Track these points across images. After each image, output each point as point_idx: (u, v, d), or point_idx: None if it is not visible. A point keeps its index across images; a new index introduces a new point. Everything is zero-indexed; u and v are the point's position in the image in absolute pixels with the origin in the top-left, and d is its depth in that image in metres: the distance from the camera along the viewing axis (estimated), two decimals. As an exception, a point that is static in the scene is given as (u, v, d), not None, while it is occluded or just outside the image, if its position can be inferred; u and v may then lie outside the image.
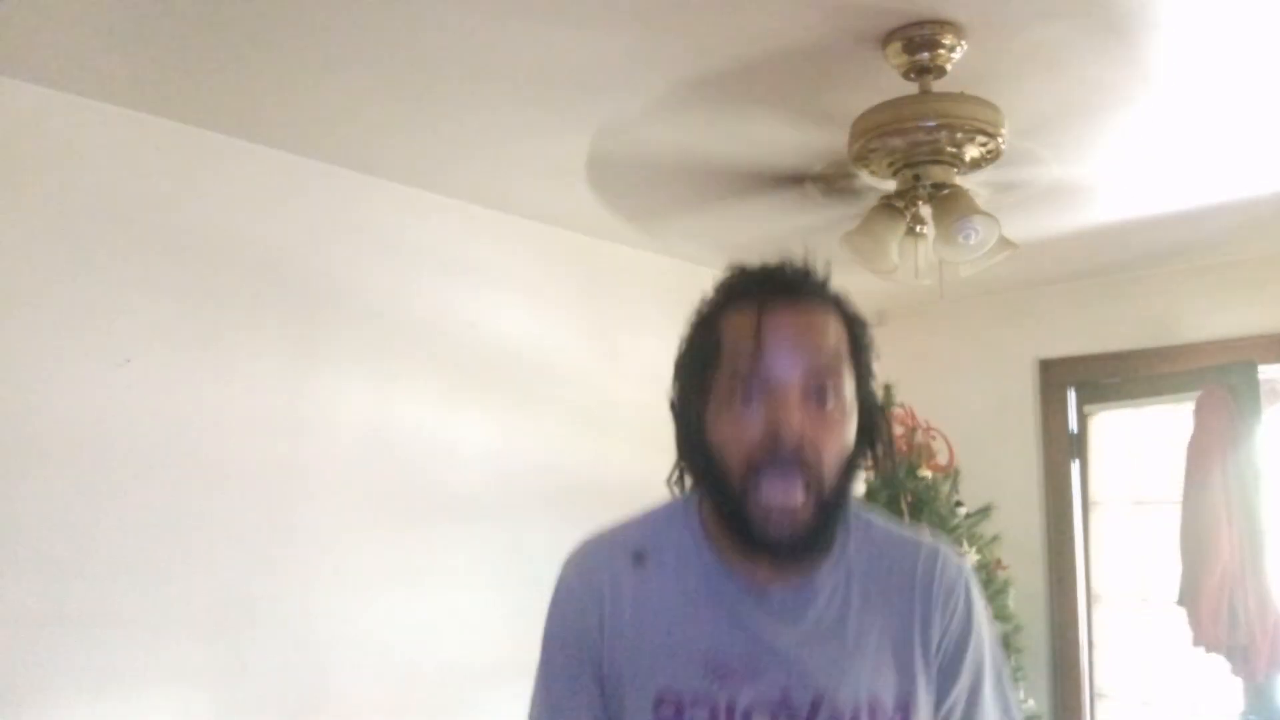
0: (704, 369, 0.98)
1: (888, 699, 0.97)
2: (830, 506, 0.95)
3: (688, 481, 1.04)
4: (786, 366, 0.93)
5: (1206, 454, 2.82)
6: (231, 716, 2.09)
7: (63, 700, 1.88)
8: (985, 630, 1.05)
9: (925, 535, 1.08)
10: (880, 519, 1.08)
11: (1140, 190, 2.48)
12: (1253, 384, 2.81)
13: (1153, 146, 2.19)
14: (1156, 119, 2.03)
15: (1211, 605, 2.72)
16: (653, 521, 1.06)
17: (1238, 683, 2.80)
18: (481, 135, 2.18)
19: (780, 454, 0.91)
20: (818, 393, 0.94)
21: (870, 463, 1.02)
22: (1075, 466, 3.40)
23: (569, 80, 1.88)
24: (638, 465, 2.44)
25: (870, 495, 3.21)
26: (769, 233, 2.78)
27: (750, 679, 0.95)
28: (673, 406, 1.03)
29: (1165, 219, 2.68)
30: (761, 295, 0.97)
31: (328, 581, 2.27)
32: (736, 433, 0.94)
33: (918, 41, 1.66)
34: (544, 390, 2.75)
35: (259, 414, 2.21)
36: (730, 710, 0.95)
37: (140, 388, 2.03)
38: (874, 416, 1.01)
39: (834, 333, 0.97)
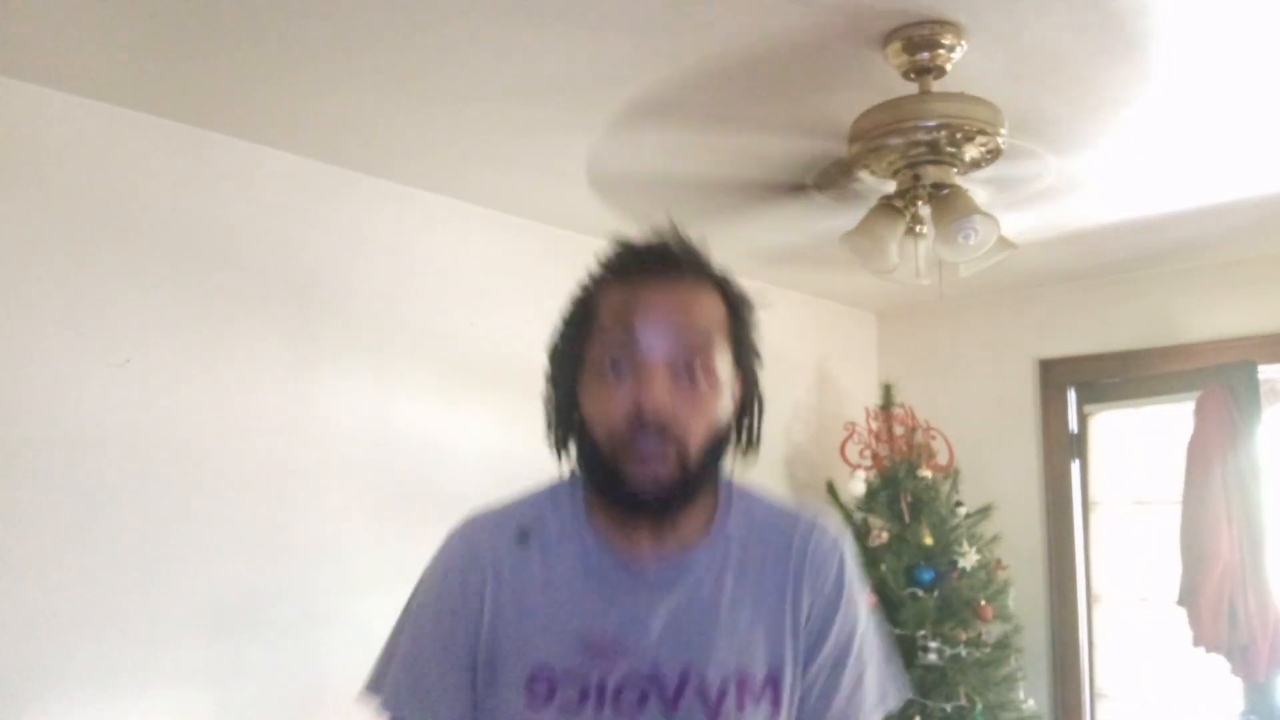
0: (578, 340, 1.01)
1: (758, 672, 0.99)
2: (695, 477, 0.97)
3: (565, 458, 1.06)
4: (655, 344, 0.95)
5: (1206, 454, 2.83)
6: (231, 716, 2.09)
7: (63, 700, 1.88)
8: (858, 602, 1.06)
9: (807, 508, 1.09)
10: (764, 495, 1.09)
11: (1140, 190, 2.48)
12: (1253, 384, 2.81)
13: (1153, 146, 2.19)
14: (1156, 119, 2.03)
15: (1211, 605, 2.72)
16: (537, 500, 1.07)
17: (1238, 683, 2.80)
18: (481, 135, 2.18)
19: (646, 429, 0.93)
20: (687, 370, 0.95)
21: (742, 441, 1.04)
22: (1075, 466, 3.40)
23: (569, 80, 1.88)
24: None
25: (870, 495, 3.22)
26: (769, 233, 2.78)
27: (622, 656, 0.96)
28: (547, 375, 1.07)
29: (1165, 219, 2.68)
30: (635, 271, 0.99)
31: (328, 581, 2.27)
32: (605, 406, 0.96)
33: (918, 41, 1.66)
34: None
35: (259, 414, 2.21)
36: (601, 686, 0.96)
37: (140, 388, 2.03)
38: (750, 393, 1.04)
39: (707, 309, 0.99)
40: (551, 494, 1.07)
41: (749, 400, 1.04)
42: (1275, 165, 2.29)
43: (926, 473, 3.19)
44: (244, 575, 2.14)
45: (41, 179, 1.95)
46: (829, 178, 2.25)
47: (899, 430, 3.30)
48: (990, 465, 3.42)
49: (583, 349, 1.01)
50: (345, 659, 2.32)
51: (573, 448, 1.05)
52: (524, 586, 1.00)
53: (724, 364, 0.99)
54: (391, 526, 2.41)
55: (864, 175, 2.04)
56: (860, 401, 3.54)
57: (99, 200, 2.01)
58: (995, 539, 3.20)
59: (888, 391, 3.40)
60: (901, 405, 3.35)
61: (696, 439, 0.96)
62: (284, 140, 2.23)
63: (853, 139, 1.82)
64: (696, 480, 0.97)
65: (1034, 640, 3.29)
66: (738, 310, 1.03)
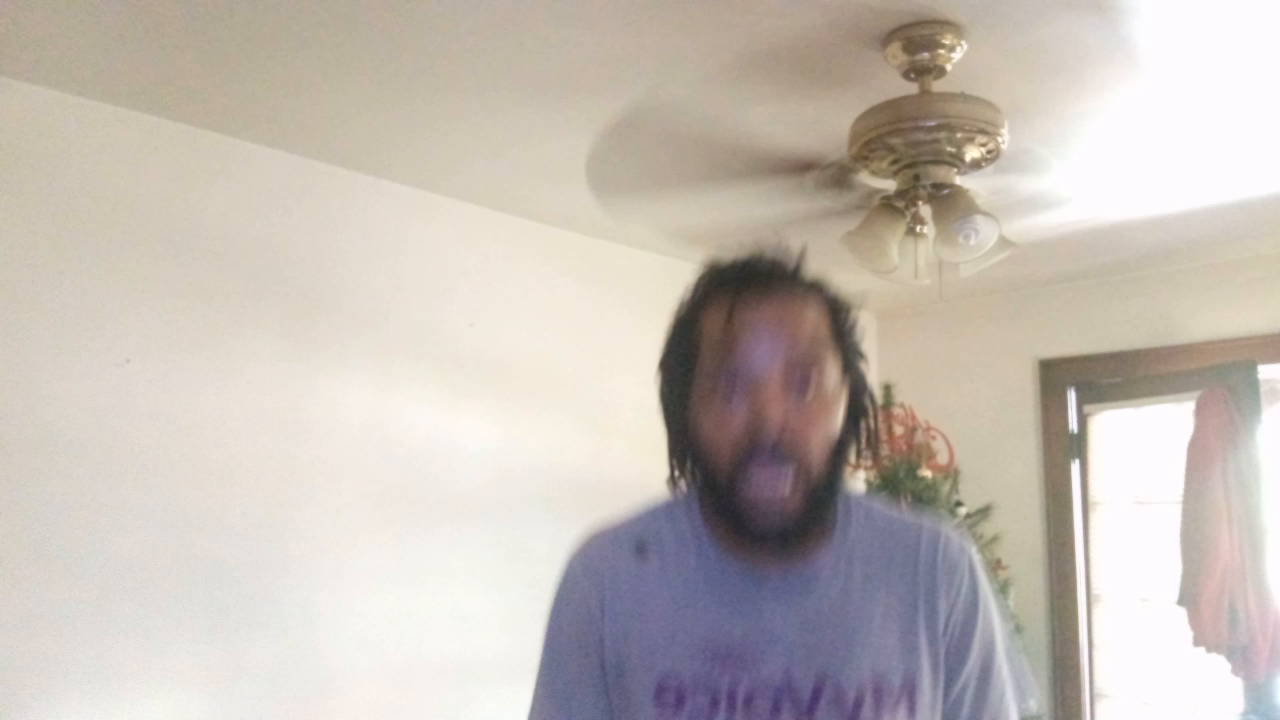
0: (685, 367, 0.99)
1: (894, 679, 0.97)
2: (819, 493, 0.95)
3: (683, 481, 1.04)
4: (763, 360, 0.93)
5: (1206, 454, 2.82)
6: (231, 716, 2.09)
7: (63, 700, 1.88)
8: (992, 608, 1.05)
9: (927, 518, 1.08)
10: (882, 504, 1.08)
11: (1140, 190, 2.48)
12: (1253, 384, 2.81)
13: (1153, 146, 2.19)
14: (1156, 119, 2.03)
15: (1211, 605, 2.72)
16: (653, 514, 1.06)
17: (1238, 683, 2.80)
18: (481, 135, 2.18)
19: (763, 447, 0.92)
20: (799, 383, 0.94)
21: (861, 446, 1.02)
22: (1075, 466, 3.40)
23: (569, 80, 1.88)
24: (637, 465, 2.45)
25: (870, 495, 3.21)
26: (769, 231, 2.78)
27: (751, 663, 0.95)
28: (662, 407, 1.04)
29: (1165, 219, 2.68)
30: (735, 288, 0.97)
31: (328, 581, 2.27)
32: (720, 429, 0.94)
33: (918, 41, 1.66)
34: (544, 390, 2.75)
35: (259, 414, 2.21)
36: (732, 695, 0.94)
37: (140, 388, 2.03)
38: (861, 399, 1.02)
39: (812, 319, 0.98)
40: (668, 509, 1.06)
41: (860, 403, 1.02)
42: (1275, 165, 2.29)
43: (926, 473, 3.18)
44: (244, 575, 2.14)
45: (42, 179, 1.95)
46: (829, 178, 2.25)
47: (899, 430, 3.30)
48: (990, 465, 3.42)
49: (690, 375, 0.99)
50: (345, 659, 2.33)
51: (689, 470, 1.03)
52: (644, 597, 1.00)
53: (834, 373, 0.98)
54: (391, 526, 2.41)
55: (864, 175, 2.04)
56: (860, 401, 3.54)
57: (99, 200, 2.01)
58: (995, 539, 3.19)
59: (888, 391, 3.39)
60: (901, 405, 3.35)
61: (816, 452, 0.94)
62: (284, 140, 2.23)
63: (853, 139, 1.82)
64: (819, 500, 0.96)
65: (1034, 640, 3.29)
66: (840, 315, 1.02)
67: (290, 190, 2.31)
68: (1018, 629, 3.10)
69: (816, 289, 1.01)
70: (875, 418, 1.03)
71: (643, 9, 1.60)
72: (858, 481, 3.26)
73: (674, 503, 1.06)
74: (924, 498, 3.13)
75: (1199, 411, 2.88)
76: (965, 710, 1.01)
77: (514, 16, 1.64)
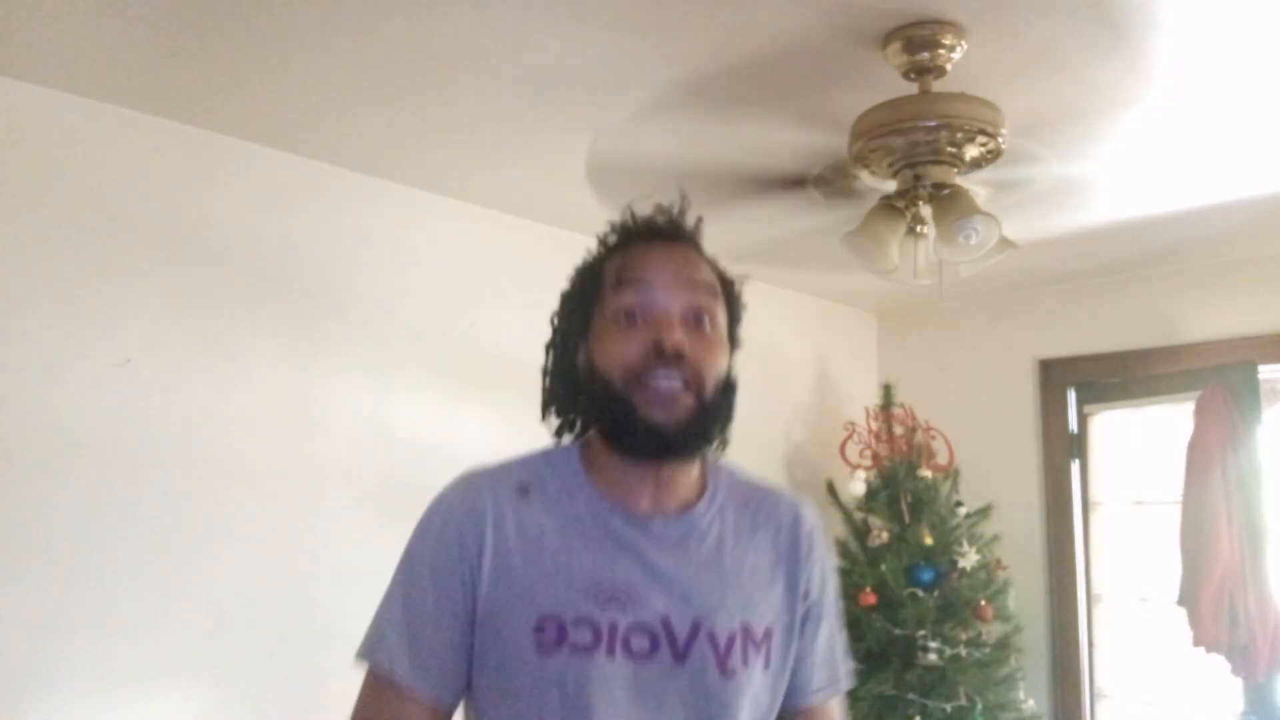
0: (585, 307, 1.06)
1: (757, 629, 1.04)
2: (707, 415, 1.01)
3: (562, 428, 1.11)
4: (666, 294, 1.01)
5: (1206, 454, 2.82)
6: (231, 716, 2.09)
7: (63, 700, 1.88)
8: (834, 574, 1.16)
9: (782, 487, 1.16)
10: (737, 468, 1.14)
11: (1140, 190, 2.48)
12: (1253, 384, 2.81)
13: (1153, 146, 2.19)
14: (1156, 119, 2.03)
15: (1211, 605, 2.72)
16: (532, 460, 1.10)
17: (1238, 683, 2.80)
18: (482, 136, 2.18)
19: (663, 358, 0.98)
20: (694, 320, 1.01)
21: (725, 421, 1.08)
22: (1075, 466, 3.40)
23: (569, 81, 1.88)
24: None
25: (870, 495, 3.21)
26: (769, 233, 2.78)
27: (633, 604, 0.98)
28: (551, 350, 1.11)
29: (1165, 219, 2.68)
30: (643, 236, 1.07)
31: (328, 581, 2.27)
32: (620, 352, 1.00)
33: (918, 41, 1.66)
34: (544, 390, 2.75)
35: (259, 414, 2.21)
36: (613, 631, 0.97)
37: (140, 388, 2.03)
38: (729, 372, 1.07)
39: (707, 272, 1.06)
40: (546, 456, 1.10)
41: (728, 379, 1.07)
42: (1275, 165, 2.29)
43: (926, 473, 3.19)
44: (244, 575, 2.14)
45: (42, 179, 1.95)
46: (830, 178, 2.25)
47: (899, 430, 3.31)
48: (990, 465, 3.42)
49: (591, 311, 1.05)
50: (345, 659, 2.32)
51: (572, 414, 1.10)
52: (527, 535, 1.01)
53: (723, 325, 1.05)
54: (391, 526, 2.39)
55: (864, 175, 2.04)
56: (860, 401, 3.54)
57: (99, 200, 2.01)
58: (995, 539, 3.20)
59: (888, 391, 3.40)
60: (901, 405, 3.35)
61: (709, 378, 1.00)
62: (284, 140, 2.23)
63: (853, 139, 1.82)
64: (709, 419, 1.01)
65: (1034, 640, 3.29)
66: (729, 287, 1.09)
67: (291, 191, 2.31)
68: (1017, 629, 3.10)
69: (711, 259, 1.09)
70: (732, 397, 1.07)
71: (643, 10, 1.60)
72: (858, 482, 3.26)
73: (552, 453, 1.10)
74: (924, 498, 3.14)
75: (1199, 411, 2.88)
76: (817, 668, 1.11)
77: (515, 18, 1.64)
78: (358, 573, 2.33)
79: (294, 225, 2.32)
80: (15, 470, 1.87)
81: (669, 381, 0.98)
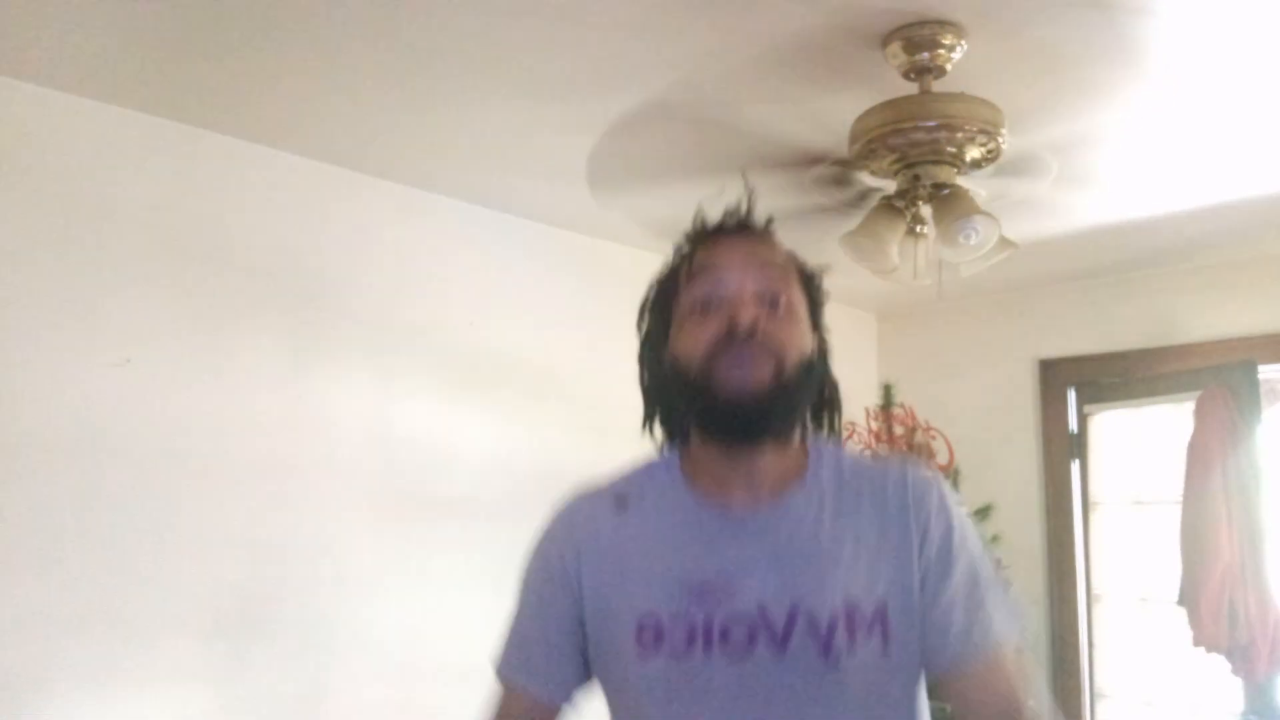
0: (664, 311, 1.07)
1: (866, 608, 0.98)
2: (790, 388, 0.99)
3: (662, 435, 1.11)
4: (736, 280, 1.01)
5: (1206, 454, 2.82)
6: (231, 716, 2.09)
7: (63, 700, 1.88)
8: (970, 532, 1.06)
9: (897, 460, 1.11)
10: (849, 451, 1.12)
11: (1140, 190, 2.48)
12: (1253, 384, 2.81)
13: (1152, 147, 2.19)
14: (1156, 119, 2.03)
15: (1211, 605, 2.72)
16: (637, 471, 1.12)
17: (1238, 683, 2.80)
18: (481, 135, 2.18)
19: (737, 337, 0.97)
20: (770, 300, 1.01)
21: (821, 412, 1.09)
22: (1075, 466, 3.40)
23: (569, 80, 1.88)
24: (638, 465, 2.45)
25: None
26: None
27: (726, 597, 0.98)
28: (641, 361, 1.11)
29: (1165, 219, 2.68)
30: (718, 230, 1.07)
31: (328, 581, 2.27)
32: (696, 337, 1.00)
33: (918, 41, 1.66)
34: (544, 390, 2.75)
35: (258, 414, 2.20)
36: (708, 627, 0.97)
37: (140, 388, 2.03)
38: (824, 357, 1.07)
39: (781, 258, 1.06)
40: (648, 467, 1.11)
41: (824, 364, 1.07)
42: (1275, 165, 2.29)
43: (926, 473, 3.18)
44: (244, 575, 2.14)
45: (42, 179, 1.94)
46: (829, 178, 2.25)
47: (899, 430, 3.30)
48: (990, 465, 3.42)
49: (670, 313, 1.06)
50: (345, 659, 2.32)
51: (669, 418, 1.10)
52: (624, 547, 1.04)
53: (801, 307, 1.04)
54: (391, 526, 2.41)
55: (864, 175, 2.04)
56: (860, 401, 3.54)
57: (99, 200, 2.01)
58: (995, 539, 3.19)
59: (888, 391, 3.40)
60: (901, 405, 3.35)
61: (789, 351, 0.99)
62: (284, 140, 2.23)
63: (853, 139, 1.82)
64: (790, 394, 1.00)
65: (1034, 640, 3.29)
66: (808, 275, 1.09)
67: (291, 190, 2.31)
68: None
69: (789, 251, 1.09)
70: (835, 391, 1.09)
71: (643, 9, 1.60)
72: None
73: (655, 461, 1.12)
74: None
75: (1199, 411, 2.88)
76: (955, 628, 1.00)
77: (515, 17, 1.64)
78: (358, 572, 2.34)
79: (294, 225, 2.32)
80: (15, 470, 1.86)
81: (746, 363, 0.97)
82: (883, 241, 1.94)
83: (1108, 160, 2.26)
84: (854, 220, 2.00)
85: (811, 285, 1.08)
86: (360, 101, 2.00)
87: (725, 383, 0.98)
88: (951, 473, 3.27)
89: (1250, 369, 2.83)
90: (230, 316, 2.18)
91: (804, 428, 1.08)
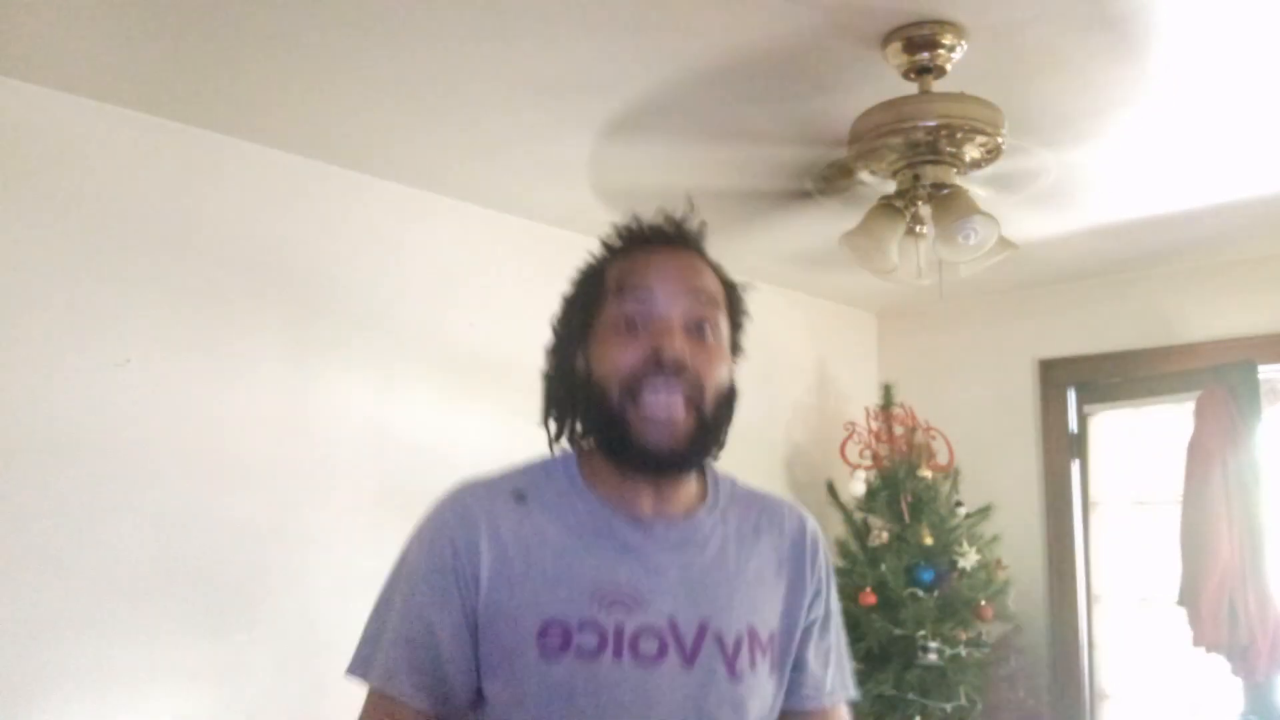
0: (585, 312, 1.04)
1: (762, 632, 1.03)
2: (707, 430, 1.00)
3: (562, 435, 1.08)
4: (667, 301, 0.99)
5: (1206, 454, 2.82)
6: (231, 716, 2.09)
7: (63, 700, 1.88)
8: (834, 583, 1.16)
9: (781, 496, 1.16)
10: (738, 479, 1.14)
11: (1140, 190, 2.48)
12: (1253, 384, 2.81)
13: (1153, 146, 2.19)
14: (1157, 118, 2.03)
15: (1211, 605, 2.72)
16: (528, 469, 1.08)
17: (1238, 683, 2.80)
18: (482, 136, 2.18)
19: (662, 369, 0.96)
20: (696, 329, 1.00)
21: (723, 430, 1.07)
22: (1075, 466, 3.40)
23: (570, 81, 1.88)
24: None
25: (870, 495, 3.21)
26: (768, 231, 2.78)
27: (638, 607, 0.97)
28: (550, 356, 1.09)
29: (1165, 219, 2.68)
30: (649, 241, 1.06)
31: (328, 581, 2.27)
32: (619, 360, 0.99)
33: (918, 41, 1.66)
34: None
35: (259, 414, 2.21)
36: (619, 634, 0.96)
37: (140, 388, 2.03)
38: (734, 386, 1.06)
39: (712, 281, 1.05)
40: (543, 465, 1.08)
41: (734, 389, 1.06)
42: (1275, 165, 2.29)
43: (926, 473, 3.19)
44: (244, 575, 2.14)
45: (42, 179, 1.94)
46: (829, 178, 2.25)
47: (899, 430, 3.30)
48: (990, 465, 3.42)
49: (592, 316, 1.04)
50: (345, 659, 2.32)
51: (571, 420, 1.07)
52: (526, 542, 0.99)
53: (725, 335, 1.04)
54: (391, 526, 2.40)
55: (864, 175, 2.04)
56: (860, 401, 3.54)
57: (98, 200, 2.01)
58: (995, 539, 3.20)
59: (888, 391, 3.40)
60: (901, 405, 3.35)
61: (709, 390, 0.99)
62: (285, 140, 2.23)
63: (853, 139, 1.82)
64: (706, 436, 1.00)
65: (1034, 640, 3.29)
66: (733, 293, 1.09)
67: (291, 190, 2.31)
68: (1017, 629, 3.10)
69: (714, 264, 1.08)
70: (732, 407, 1.05)
71: (642, 9, 1.60)
72: (858, 482, 3.26)
73: (548, 461, 1.08)
74: (924, 498, 3.14)
75: (1199, 411, 2.88)
76: (824, 673, 1.10)
77: (515, 17, 1.64)
78: (356, 572, 2.33)
79: (294, 225, 2.32)
80: (14, 470, 1.86)
81: (668, 395, 0.96)
82: (882, 241, 1.94)
83: (1107, 160, 2.26)
84: (854, 221, 2.00)
85: (735, 308, 1.08)
86: (360, 101, 2.00)
87: (643, 426, 0.97)
88: (951, 473, 3.27)
89: (1250, 369, 2.83)
90: (230, 317, 2.18)
91: None
